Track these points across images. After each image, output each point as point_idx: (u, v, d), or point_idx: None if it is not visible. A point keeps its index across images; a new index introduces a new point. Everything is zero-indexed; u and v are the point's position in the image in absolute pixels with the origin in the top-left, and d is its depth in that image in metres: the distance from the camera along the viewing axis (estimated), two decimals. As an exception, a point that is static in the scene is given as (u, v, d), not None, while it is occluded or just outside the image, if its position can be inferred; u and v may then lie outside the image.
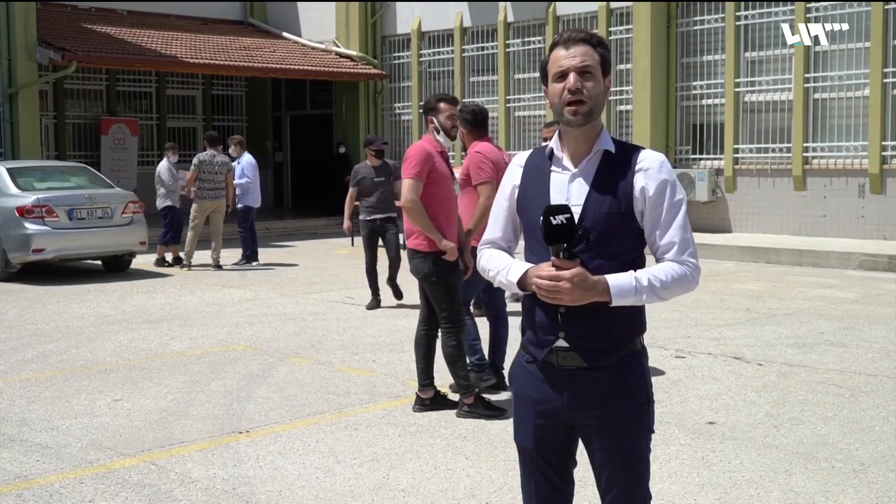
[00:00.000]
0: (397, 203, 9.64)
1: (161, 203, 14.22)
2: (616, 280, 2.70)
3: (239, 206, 14.32)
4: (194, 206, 13.87)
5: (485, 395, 6.34)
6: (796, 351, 7.97)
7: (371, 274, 10.59)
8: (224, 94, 23.79)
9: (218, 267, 13.90)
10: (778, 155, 16.08)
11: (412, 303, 9.77)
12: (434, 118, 6.36)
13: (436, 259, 6.14)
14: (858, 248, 13.71)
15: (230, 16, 23.67)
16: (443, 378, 6.67)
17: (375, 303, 10.50)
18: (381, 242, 10.65)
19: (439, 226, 6.17)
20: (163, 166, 14.37)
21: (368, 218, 10.54)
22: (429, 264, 6.16)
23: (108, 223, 13.07)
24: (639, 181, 2.80)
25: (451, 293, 6.21)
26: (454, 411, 6.21)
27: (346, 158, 20.58)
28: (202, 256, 14.32)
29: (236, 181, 14.31)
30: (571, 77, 2.75)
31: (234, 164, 14.45)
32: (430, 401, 6.31)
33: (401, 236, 10.54)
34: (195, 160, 13.77)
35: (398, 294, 10.63)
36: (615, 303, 2.70)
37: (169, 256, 14.43)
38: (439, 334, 6.36)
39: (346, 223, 11.17)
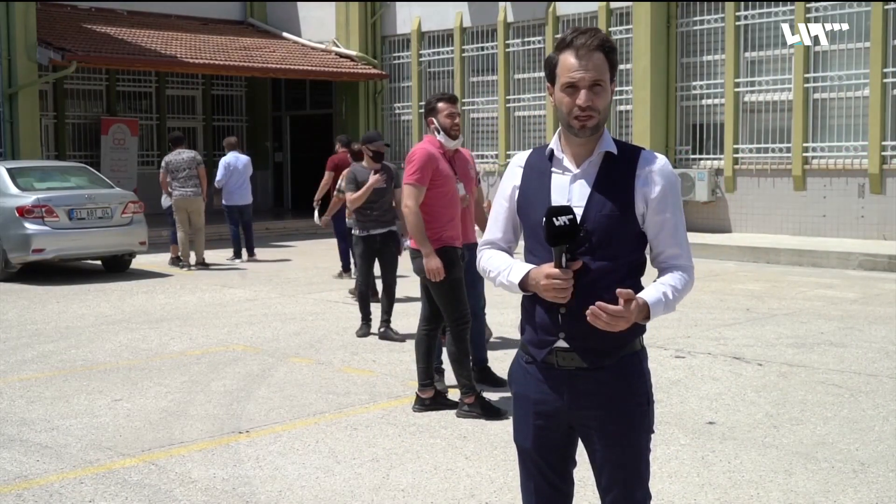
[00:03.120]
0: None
1: (166, 202, 14.28)
2: (651, 298, 2.72)
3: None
4: (172, 206, 13.97)
5: (485, 395, 6.34)
6: (796, 351, 7.97)
7: (364, 299, 8.90)
8: (224, 94, 23.78)
9: (203, 265, 14.00)
10: (778, 155, 16.08)
11: (412, 303, 9.77)
12: (434, 119, 6.34)
13: (438, 255, 6.13)
14: (858, 248, 13.71)
15: (230, 16, 23.67)
16: (452, 377, 6.69)
17: (367, 328, 8.86)
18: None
19: (442, 225, 6.16)
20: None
21: (367, 233, 8.70)
22: None
23: (108, 223, 13.07)
24: (641, 183, 2.80)
25: (455, 290, 6.18)
26: (454, 411, 6.21)
27: None
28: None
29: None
30: (583, 95, 2.73)
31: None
32: (430, 401, 6.31)
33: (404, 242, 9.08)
34: (162, 163, 14.00)
35: (398, 337, 8.68)
36: (651, 319, 2.73)
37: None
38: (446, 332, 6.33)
39: (326, 218, 9.63)
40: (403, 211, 6.15)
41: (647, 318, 2.73)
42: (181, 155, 13.91)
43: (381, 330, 8.74)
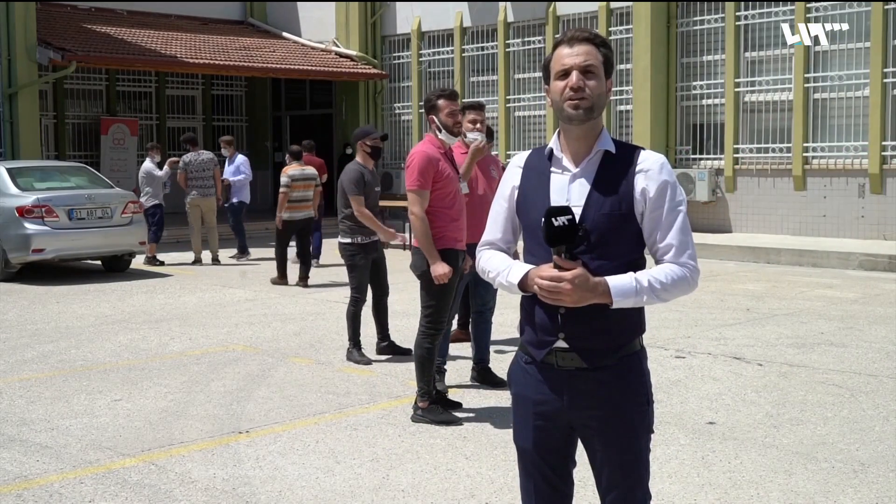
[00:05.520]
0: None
1: (148, 202, 14.34)
2: (616, 281, 2.70)
3: (234, 201, 14.91)
4: (187, 205, 14.40)
5: (450, 398, 6.32)
6: (796, 351, 7.97)
7: (357, 318, 7.92)
8: (224, 94, 23.78)
9: (216, 262, 14.27)
10: (778, 155, 16.08)
11: (411, 303, 9.76)
12: (434, 117, 6.16)
13: None
14: (858, 248, 13.71)
15: (230, 16, 23.67)
16: (452, 377, 6.68)
17: (362, 356, 7.87)
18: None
19: (444, 225, 6.05)
20: (147, 166, 14.63)
21: (369, 240, 7.94)
22: (426, 260, 6.02)
23: (108, 223, 13.08)
24: (639, 182, 2.80)
25: (443, 293, 6.04)
26: (455, 412, 6.20)
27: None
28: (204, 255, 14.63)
29: (233, 178, 14.87)
30: (574, 75, 2.75)
31: (229, 162, 15.09)
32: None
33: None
34: (181, 163, 14.38)
35: (401, 350, 8.04)
36: (616, 305, 2.70)
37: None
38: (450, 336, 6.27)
39: (396, 233, 8.21)
40: (410, 218, 6.05)
41: (609, 298, 2.68)
42: (201, 156, 14.40)
43: (384, 345, 8.09)
